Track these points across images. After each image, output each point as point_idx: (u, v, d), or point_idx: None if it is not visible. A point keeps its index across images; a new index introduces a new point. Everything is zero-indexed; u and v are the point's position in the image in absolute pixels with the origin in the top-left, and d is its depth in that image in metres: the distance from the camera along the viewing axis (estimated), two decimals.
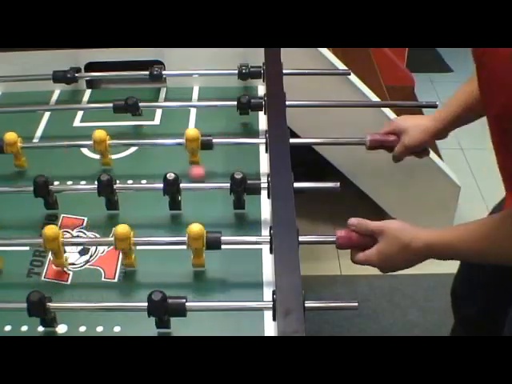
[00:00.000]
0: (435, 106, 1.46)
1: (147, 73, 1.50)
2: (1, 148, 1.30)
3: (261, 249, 1.12)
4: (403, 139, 1.31)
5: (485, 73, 0.96)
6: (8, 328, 1.02)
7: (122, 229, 1.06)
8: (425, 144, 1.32)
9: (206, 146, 1.29)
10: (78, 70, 1.57)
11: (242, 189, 1.17)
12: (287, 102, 1.30)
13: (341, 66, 1.84)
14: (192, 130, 1.28)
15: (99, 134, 1.29)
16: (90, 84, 1.64)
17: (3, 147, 1.30)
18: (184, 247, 1.07)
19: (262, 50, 1.42)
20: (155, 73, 1.50)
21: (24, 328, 1.02)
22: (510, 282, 1.30)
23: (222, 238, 1.07)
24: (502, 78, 0.88)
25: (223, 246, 1.07)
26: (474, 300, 1.47)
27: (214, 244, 1.06)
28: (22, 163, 1.33)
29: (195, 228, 1.04)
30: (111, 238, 1.08)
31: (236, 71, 1.49)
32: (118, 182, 1.20)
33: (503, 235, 0.98)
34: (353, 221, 1.09)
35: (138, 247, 1.10)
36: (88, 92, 1.62)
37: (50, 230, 1.06)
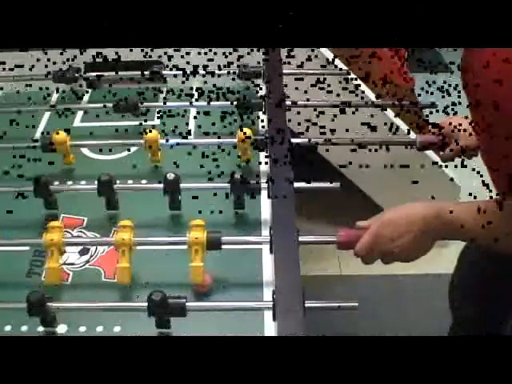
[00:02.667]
0: (435, 106, 1.46)
1: (147, 73, 1.50)
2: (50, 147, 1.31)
3: (261, 249, 1.12)
4: (456, 142, 1.31)
5: (471, 85, 0.97)
6: (8, 328, 1.02)
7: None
8: (477, 148, 1.31)
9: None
10: (78, 70, 1.57)
11: (242, 189, 1.17)
12: (287, 102, 1.30)
13: (341, 65, 1.83)
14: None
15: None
16: (90, 84, 1.64)
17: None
18: (184, 247, 1.07)
19: (262, 50, 1.42)
20: (155, 73, 1.50)
21: (24, 328, 1.02)
22: (509, 281, 1.30)
23: (223, 238, 1.06)
24: (493, 79, 0.89)
25: (223, 246, 1.07)
26: (472, 300, 1.47)
27: (214, 244, 1.06)
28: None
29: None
30: (111, 238, 1.08)
31: (236, 71, 1.49)
32: (118, 181, 1.20)
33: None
34: (360, 223, 1.08)
35: (138, 247, 1.10)
36: (88, 92, 1.62)
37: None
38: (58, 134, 1.31)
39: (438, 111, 1.49)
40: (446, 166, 2.19)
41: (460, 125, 1.31)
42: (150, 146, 1.31)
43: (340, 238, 1.07)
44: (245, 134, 1.28)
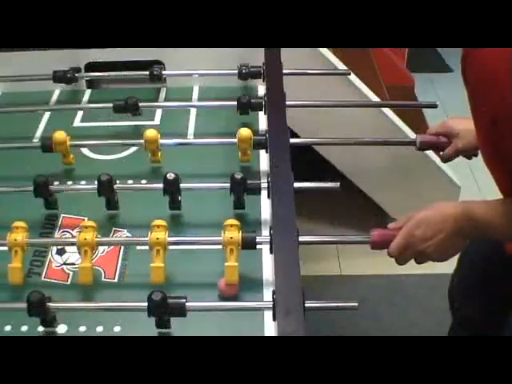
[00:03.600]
0: (435, 106, 1.46)
1: (147, 73, 1.50)
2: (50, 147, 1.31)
3: (261, 249, 1.12)
4: (456, 142, 1.31)
5: (471, 85, 0.97)
6: (8, 328, 1.02)
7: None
8: (477, 149, 1.32)
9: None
10: (78, 70, 1.57)
11: (242, 189, 1.17)
12: (287, 102, 1.30)
13: (341, 66, 1.84)
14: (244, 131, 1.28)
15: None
16: (90, 84, 1.64)
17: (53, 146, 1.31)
18: (184, 247, 1.07)
19: (262, 50, 1.42)
20: (155, 73, 1.50)
21: (24, 328, 1.02)
22: (509, 281, 1.30)
23: (259, 238, 1.07)
24: (492, 78, 0.88)
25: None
26: (472, 300, 1.47)
27: (250, 244, 1.05)
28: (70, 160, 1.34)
29: None
30: (111, 238, 1.08)
31: (236, 71, 1.49)
32: (117, 181, 1.20)
33: None
34: (392, 225, 1.08)
35: (138, 247, 1.10)
36: (88, 92, 1.62)
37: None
38: (57, 134, 1.30)
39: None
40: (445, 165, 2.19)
41: (460, 125, 1.31)
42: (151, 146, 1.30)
43: (374, 237, 1.07)
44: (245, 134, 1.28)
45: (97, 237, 1.08)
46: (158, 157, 1.32)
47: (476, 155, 1.36)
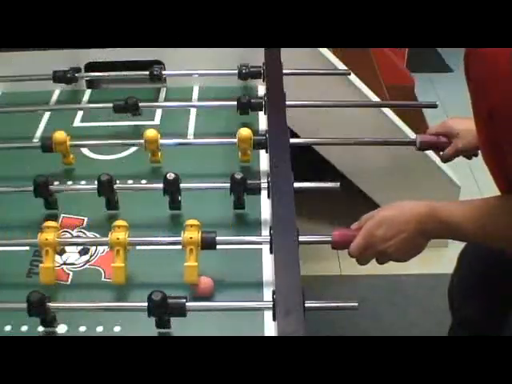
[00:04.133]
0: (435, 106, 1.46)
1: (147, 73, 1.50)
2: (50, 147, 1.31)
3: (261, 249, 1.12)
4: (456, 142, 1.31)
5: (473, 82, 0.97)
6: (8, 328, 1.02)
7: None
8: (477, 149, 1.32)
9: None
10: (78, 69, 1.57)
11: (242, 189, 1.17)
12: (287, 102, 1.30)
13: (341, 66, 1.84)
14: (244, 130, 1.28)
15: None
16: (90, 84, 1.64)
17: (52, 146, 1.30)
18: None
19: (262, 50, 1.42)
20: (155, 73, 1.50)
21: (24, 328, 1.02)
22: (509, 282, 1.30)
23: (223, 238, 1.07)
24: (493, 73, 0.88)
25: (223, 247, 1.07)
26: (472, 301, 1.47)
27: (209, 244, 1.05)
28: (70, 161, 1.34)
29: None
30: (108, 238, 1.07)
31: (236, 71, 1.49)
32: (117, 181, 1.20)
33: (504, 214, 0.97)
34: (354, 225, 1.08)
35: (138, 247, 1.10)
36: (88, 92, 1.62)
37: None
38: (57, 134, 1.30)
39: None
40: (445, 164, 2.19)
41: (460, 125, 1.31)
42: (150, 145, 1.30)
43: (334, 237, 1.07)
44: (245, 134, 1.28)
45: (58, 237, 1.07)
46: (158, 157, 1.32)
47: (476, 155, 1.36)
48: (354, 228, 1.08)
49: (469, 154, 1.33)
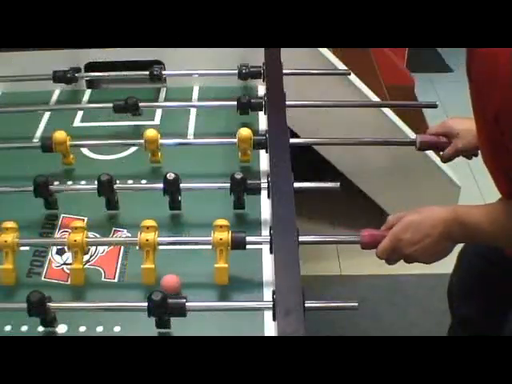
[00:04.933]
0: (435, 106, 1.46)
1: (147, 73, 1.50)
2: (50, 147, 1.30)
3: (261, 249, 1.12)
4: (456, 142, 1.31)
5: (475, 82, 0.97)
6: (8, 328, 1.02)
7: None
8: (477, 149, 1.32)
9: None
10: (78, 70, 1.57)
11: (242, 189, 1.17)
12: (287, 102, 1.30)
13: (341, 66, 1.84)
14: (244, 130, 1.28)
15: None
16: (90, 84, 1.64)
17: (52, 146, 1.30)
18: (184, 247, 1.07)
19: (262, 50, 1.42)
20: (155, 73, 1.50)
21: (24, 328, 1.02)
22: (508, 281, 1.30)
23: (249, 238, 1.07)
24: (494, 73, 0.88)
25: None
26: (471, 300, 1.47)
27: (239, 244, 1.05)
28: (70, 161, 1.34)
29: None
30: (111, 238, 1.08)
31: (236, 71, 1.49)
32: (117, 181, 1.20)
33: None
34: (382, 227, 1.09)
35: (138, 247, 1.10)
36: (88, 92, 1.62)
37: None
38: (57, 134, 1.30)
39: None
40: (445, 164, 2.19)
41: (460, 125, 1.31)
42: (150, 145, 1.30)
43: (363, 238, 1.08)
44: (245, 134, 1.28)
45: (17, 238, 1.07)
46: (158, 157, 1.32)
47: (476, 155, 1.36)
48: (383, 228, 1.08)
49: (469, 153, 1.33)
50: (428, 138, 1.35)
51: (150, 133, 1.29)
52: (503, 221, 1.01)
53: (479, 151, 1.19)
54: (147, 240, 1.05)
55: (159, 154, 1.32)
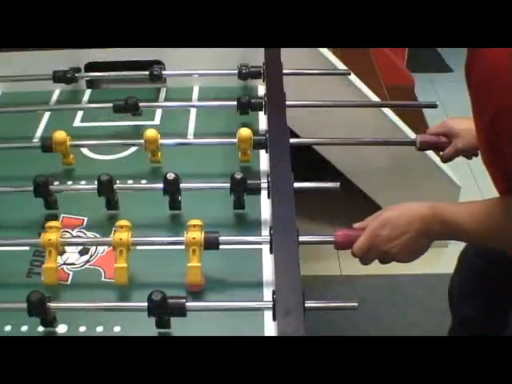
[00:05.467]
0: (435, 106, 1.46)
1: (147, 73, 1.50)
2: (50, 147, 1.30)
3: (261, 249, 1.12)
4: (456, 142, 1.31)
5: (473, 85, 0.97)
6: (8, 328, 1.02)
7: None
8: (477, 149, 1.32)
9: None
10: (78, 69, 1.57)
11: (242, 189, 1.17)
12: (287, 102, 1.30)
13: (341, 66, 1.84)
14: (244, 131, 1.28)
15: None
16: (90, 84, 1.64)
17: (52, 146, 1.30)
18: (184, 247, 1.07)
19: (262, 50, 1.42)
20: (155, 73, 1.50)
21: (24, 328, 1.02)
22: (509, 282, 1.30)
23: (223, 238, 1.06)
24: (493, 76, 0.88)
25: (223, 247, 1.07)
26: (472, 301, 1.47)
27: (211, 244, 1.05)
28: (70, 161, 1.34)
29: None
30: (111, 238, 1.07)
31: (236, 71, 1.49)
32: (117, 181, 1.20)
33: (506, 215, 0.97)
34: (357, 224, 1.08)
35: (138, 247, 1.10)
36: (88, 92, 1.62)
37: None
38: (57, 134, 1.30)
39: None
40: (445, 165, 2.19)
41: (460, 125, 1.31)
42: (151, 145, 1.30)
43: (337, 238, 1.07)
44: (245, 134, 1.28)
45: None
46: (158, 157, 1.32)
47: (476, 155, 1.36)
48: (356, 227, 1.08)
49: (469, 153, 1.33)
50: (428, 138, 1.35)
51: (150, 133, 1.29)
52: (481, 217, 1.00)
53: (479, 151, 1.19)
54: (121, 239, 1.05)
55: (159, 153, 1.32)
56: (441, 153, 1.35)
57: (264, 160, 1.32)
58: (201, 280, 1.06)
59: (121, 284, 1.06)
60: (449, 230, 1.02)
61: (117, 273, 1.06)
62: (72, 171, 1.33)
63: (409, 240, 1.03)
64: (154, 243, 1.11)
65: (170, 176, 1.17)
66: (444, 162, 1.36)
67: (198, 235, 1.05)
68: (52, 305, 0.98)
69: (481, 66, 0.92)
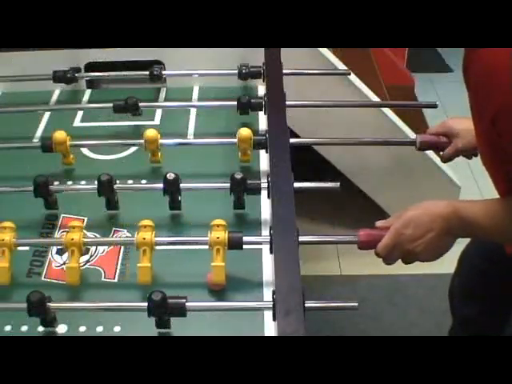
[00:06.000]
0: (435, 106, 1.46)
1: (147, 73, 1.50)
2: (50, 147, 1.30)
3: (261, 249, 1.12)
4: (456, 142, 1.31)
5: (472, 86, 0.97)
6: (8, 328, 1.02)
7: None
8: (477, 148, 1.32)
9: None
10: (78, 70, 1.57)
11: (242, 189, 1.17)
12: (287, 102, 1.30)
13: (341, 66, 1.84)
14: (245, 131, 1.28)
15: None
16: (90, 84, 1.64)
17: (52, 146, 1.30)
18: (184, 247, 1.07)
19: (262, 50, 1.42)
20: (155, 73, 1.50)
21: (24, 328, 1.02)
22: (510, 282, 1.30)
23: (246, 238, 1.06)
24: (492, 77, 0.88)
25: None
26: (472, 302, 1.47)
27: (235, 244, 1.05)
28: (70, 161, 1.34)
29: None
30: (111, 238, 1.08)
31: (236, 71, 1.49)
32: (117, 181, 1.20)
33: None
34: (380, 223, 1.08)
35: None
36: (88, 92, 1.62)
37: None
38: (57, 134, 1.30)
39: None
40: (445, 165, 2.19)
41: (460, 125, 1.31)
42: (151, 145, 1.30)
43: (360, 237, 1.07)
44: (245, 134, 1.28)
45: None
46: (158, 157, 1.32)
47: (476, 155, 1.36)
48: (379, 226, 1.08)
49: (469, 153, 1.33)
50: (428, 138, 1.35)
51: (150, 133, 1.29)
52: (500, 216, 1.02)
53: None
54: (144, 239, 1.05)
55: (159, 153, 1.32)
56: (441, 153, 1.35)
57: (264, 160, 1.32)
58: (224, 280, 1.05)
59: (144, 283, 1.06)
60: (467, 227, 1.03)
61: (140, 272, 1.06)
62: (72, 171, 1.33)
63: (433, 238, 1.03)
64: (178, 243, 1.11)
65: (170, 176, 1.17)
66: (444, 162, 1.36)
67: (222, 235, 1.05)
68: (52, 305, 0.98)
69: (479, 66, 0.92)
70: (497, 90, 0.90)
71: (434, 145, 1.35)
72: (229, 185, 1.17)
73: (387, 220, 1.08)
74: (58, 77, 1.53)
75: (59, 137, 1.30)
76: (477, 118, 1.03)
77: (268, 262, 1.11)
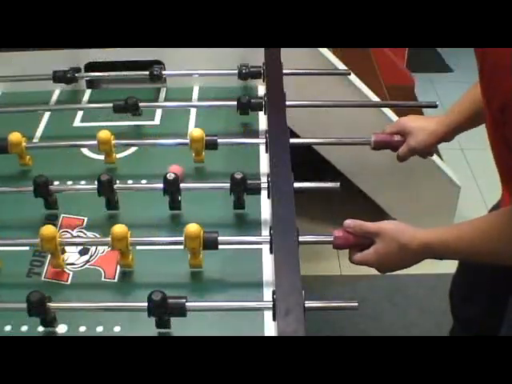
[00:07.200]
0: (435, 106, 1.46)
1: (147, 73, 1.50)
2: (5, 148, 1.30)
3: (261, 249, 1.12)
4: (409, 141, 1.30)
5: (487, 66, 0.95)
6: (8, 328, 1.02)
7: (119, 228, 1.06)
8: (430, 147, 1.31)
9: (211, 146, 1.29)
10: (78, 70, 1.57)
11: (242, 189, 1.17)
12: (287, 102, 1.30)
13: (341, 66, 1.84)
14: (196, 131, 1.28)
15: (104, 134, 1.29)
16: (90, 84, 1.64)
17: (7, 147, 1.29)
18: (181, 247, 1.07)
19: (262, 50, 1.42)
20: (155, 73, 1.50)
21: (24, 328, 1.02)
22: (510, 282, 1.29)
23: (222, 238, 1.07)
24: (508, 65, 0.88)
25: (223, 246, 1.07)
26: (473, 302, 1.47)
27: (211, 244, 1.06)
28: (26, 162, 1.33)
29: (192, 228, 1.04)
30: (110, 238, 1.07)
31: (236, 71, 1.49)
32: (118, 181, 1.20)
33: (500, 234, 0.98)
34: (348, 222, 1.09)
35: (138, 247, 1.10)
36: (88, 92, 1.62)
37: (47, 229, 1.06)
38: (12, 135, 1.30)
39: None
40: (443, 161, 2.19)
41: (413, 122, 1.30)
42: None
43: (336, 238, 1.09)
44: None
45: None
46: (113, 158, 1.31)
47: (431, 155, 1.36)
48: (351, 228, 1.09)
49: (423, 152, 1.32)
50: (381, 138, 1.34)
51: (103, 134, 1.28)
52: (473, 239, 1.02)
53: (434, 153, 1.17)
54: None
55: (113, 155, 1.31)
56: (397, 153, 1.35)
57: (264, 160, 1.32)
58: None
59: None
60: (442, 256, 1.07)
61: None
62: (72, 171, 1.33)
63: (405, 265, 1.09)
64: (155, 243, 1.11)
65: (170, 176, 1.17)
66: (400, 161, 1.35)
67: (198, 235, 1.05)
68: (52, 305, 0.98)
69: (499, 51, 0.90)
70: (509, 76, 0.88)
71: (388, 144, 1.34)
72: (229, 185, 1.17)
73: (360, 225, 1.09)
74: (58, 77, 1.53)
75: (14, 138, 1.29)
76: (487, 107, 1.02)
77: (268, 261, 1.11)
